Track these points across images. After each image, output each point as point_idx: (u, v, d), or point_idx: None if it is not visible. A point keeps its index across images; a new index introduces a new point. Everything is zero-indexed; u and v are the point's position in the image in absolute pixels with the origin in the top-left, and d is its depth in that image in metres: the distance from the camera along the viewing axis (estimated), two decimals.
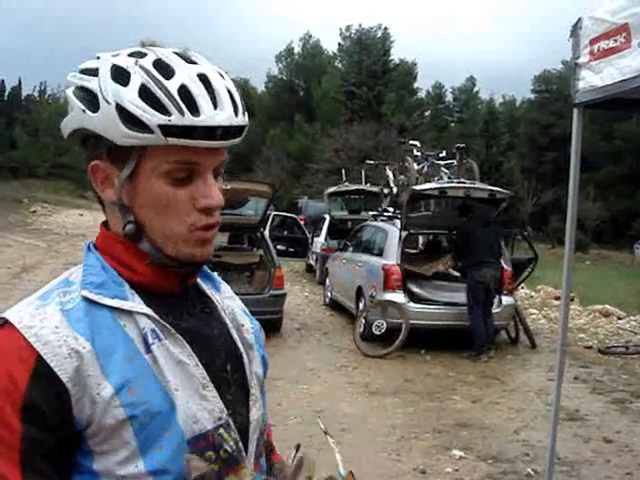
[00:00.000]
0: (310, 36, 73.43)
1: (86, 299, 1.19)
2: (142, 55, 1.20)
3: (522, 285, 14.69)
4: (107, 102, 1.16)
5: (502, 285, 11.15)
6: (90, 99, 1.18)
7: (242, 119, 1.23)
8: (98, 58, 1.23)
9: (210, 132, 1.17)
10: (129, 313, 1.20)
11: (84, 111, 1.18)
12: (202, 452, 1.20)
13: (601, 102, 4.38)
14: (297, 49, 73.26)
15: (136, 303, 1.22)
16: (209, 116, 1.16)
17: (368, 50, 62.26)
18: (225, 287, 1.50)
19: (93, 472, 1.15)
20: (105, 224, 1.32)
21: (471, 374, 9.71)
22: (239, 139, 1.24)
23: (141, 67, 1.17)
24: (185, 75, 1.18)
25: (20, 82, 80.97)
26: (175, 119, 1.14)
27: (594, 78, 4.19)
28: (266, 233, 13.55)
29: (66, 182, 58.38)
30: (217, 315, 1.39)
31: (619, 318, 14.71)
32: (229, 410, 1.27)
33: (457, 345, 10.92)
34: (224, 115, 1.18)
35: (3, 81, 78.68)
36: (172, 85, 1.16)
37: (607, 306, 15.35)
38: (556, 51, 47.79)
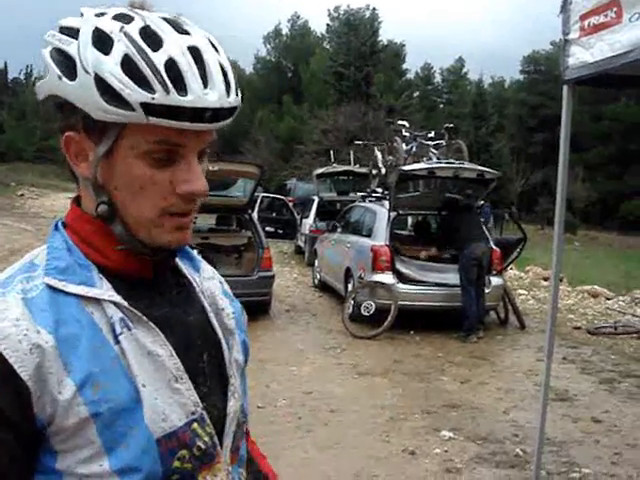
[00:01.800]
0: (298, 17, 73.26)
1: (50, 286, 1.10)
2: (129, 20, 1.09)
3: (511, 266, 14.70)
4: (86, 71, 1.06)
5: (491, 265, 11.15)
6: (67, 65, 1.09)
7: (234, 99, 1.13)
8: (82, 15, 1.12)
9: (198, 114, 1.07)
10: (97, 300, 1.12)
11: (60, 77, 1.09)
12: (174, 452, 1.13)
13: (591, 78, 4.32)
14: (285, 30, 73.04)
15: (104, 289, 1.13)
16: (197, 96, 1.06)
17: (356, 31, 62.01)
18: (205, 267, 1.41)
19: (55, 471, 1.07)
20: (77, 200, 1.23)
21: (460, 355, 9.70)
22: (229, 121, 1.14)
23: (126, 34, 1.06)
24: (174, 47, 1.07)
25: (6, 65, 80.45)
26: (159, 97, 1.04)
27: (584, 54, 4.13)
28: (254, 215, 13.48)
29: (54, 165, 57.99)
30: (195, 299, 1.30)
31: (607, 298, 14.77)
32: (204, 403, 1.19)
33: (446, 326, 10.92)
34: (214, 96, 1.08)
35: None
36: (159, 58, 1.05)
37: (596, 287, 15.41)
38: (545, 31, 47.74)
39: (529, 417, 6.77)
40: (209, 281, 1.38)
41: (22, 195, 41.75)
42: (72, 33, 1.10)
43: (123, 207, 1.14)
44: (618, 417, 7.13)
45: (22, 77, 77.98)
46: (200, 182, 1.14)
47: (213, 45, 1.13)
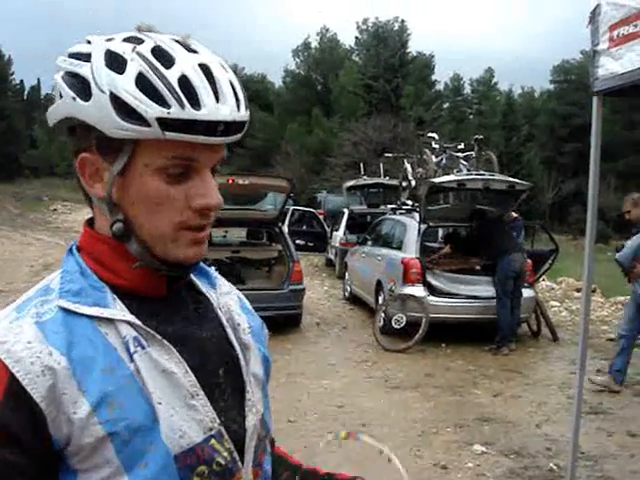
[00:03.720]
0: (327, 30, 73.37)
1: (63, 309, 1.12)
2: (139, 41, 1.11)
3: (543, 277, 14.56)
4: (101, 90, 1.08)
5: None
6: (81, 86, 1.11)
7: (244, 114, 1.15)
8: (89, 42, 1.15)
9: (211, 128, 1.09)
10: (110, 321, 1.13)
11: (74, 99, 1.11)
12: (192, 468, 1.13)
13: (621, 89, 4.29)
14: (314, 43, 73.22)
15: (117, 310, 1.14)
16: (211, 110, 1.08)
17: (385, 43, 62.22)
18: (222, 282, 1.42)
19: None
20: (90, 222, 1.25)
21: (492, 368, 9.63)
22: (239, 135, 1.16)
23: (138, 54, 1.09)
24: (186, 64, 1.10)
25: (39, 82, 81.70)
26: (175, 112, 1.06)
27: (614, 65, 4.10)
28: (284, 228, 13.50)
29: None
30: (212, 315, 1.31)
31: None
32: (222, 418, 1.20)
33: (478, 338, 10.84)
34: (226, 110, 1.10)
35: (22, 81, 79.56)
36: (172, 75, 1.08)
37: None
38: (575, 41, 47.48)
39: (562, 431, 6.69)
40: (226, 296, 1.38)
41: (55, 210, 42.30)
42: (83, 57, 1.13)
43: (138, 224, 1.16)
44: None
45: (55, 93, 79.30)
46: (214, 196, 1.16)
47: (221, 64, 1.15)
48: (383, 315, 11.29)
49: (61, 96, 1.14)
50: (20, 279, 15.90)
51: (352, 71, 62.78)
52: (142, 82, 1.07)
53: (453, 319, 10.95)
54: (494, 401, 8.11)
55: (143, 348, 1.13)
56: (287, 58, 76.07)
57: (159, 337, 1.15)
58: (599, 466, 6.06)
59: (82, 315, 1.12)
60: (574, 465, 4.94)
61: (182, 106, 1.07)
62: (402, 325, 10.87)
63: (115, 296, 1.16)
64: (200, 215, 1.16)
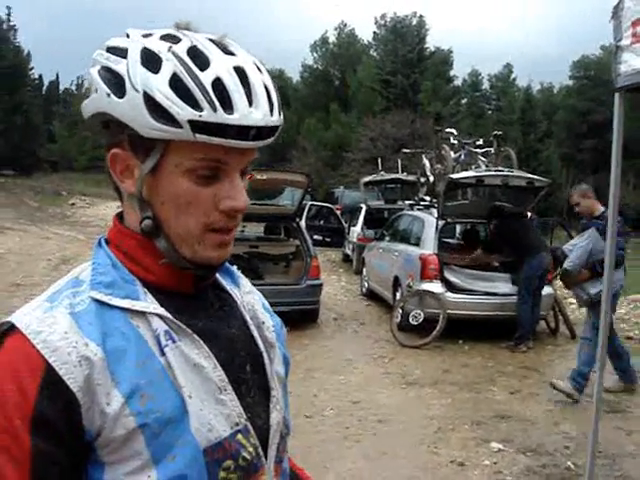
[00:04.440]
0: (345, 25, 73.22)
1: (96, 300, 1.13)
2: (176, 40, 1.11)
3: None
4: (135, 89, 1.08)
5: None
6: (116, 83, 1.11)
7: (277, 119, 1.15)
8: (127, 36, 1.15)
9: (243, 132, 1.09)
10: (142, 313, 1.14)
11: (109, 95, 1.11)
12: (219, 462, 1.14)
13: None
14: (332, 38, 73.08)
15: (149, 303, 1.15)
16: (243, 115, 1.09)
17: (403, 38, 62.07)
18: (245, 282, 1.43)
19: None
20: (119, 216, 1.26)
21: (510, 365, 9.59)
22: (271, 139, 1.17)
23: (174, 54, 1.09)
24: (221, 67, 1.10)
25: (57, 77, 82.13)
26: (206, 115, 1.06)
27: (636, 61, 4.06)
28: (302, 223, 13.49)
29: (105, 174, 58.49)
30: (237, 313, 1.32)
31: None
32: (248, 414, 1.21)
33: (496, 335, 10.80)
34: (259, 114, 1.11)
35: (41, 76, 79.99)
36: (206, 77, 1.08)
37: None
38: (594, 36, 47.18)
39: (581, 429, 6.66)
40: (249, 295, 1.40)
41: (73, 204, 42.44)
42: (120, 53, 1.13)
43: (167, 223, 1.17)
44: None
45: (73, 88, 79.68)
46: (242, 198, 1.17)
47: (257, 66, 1.15)
48: (400, 311, 11.26)
49: (96, 91, 1.14)
50: (38, 273, 15.99)
51: (370, 66, 62.65)
52: (176, 83, 1.07)
53: (471, 315, 10.91)
54: (511, 398, 8.08)
55: (174, 342, 1.14)
56: (305, 53, 76.07)
57: (189, 331, 1.16)
58: (617, 465, 6.02)
59: (114, 307, 1.13)
60: (592, 464, 4.91)
61: (214, 109, 1.07)
62: (419, 321, 10.85)
63: (146, 290, 1.17)
64: (227, 217, 1.17)
